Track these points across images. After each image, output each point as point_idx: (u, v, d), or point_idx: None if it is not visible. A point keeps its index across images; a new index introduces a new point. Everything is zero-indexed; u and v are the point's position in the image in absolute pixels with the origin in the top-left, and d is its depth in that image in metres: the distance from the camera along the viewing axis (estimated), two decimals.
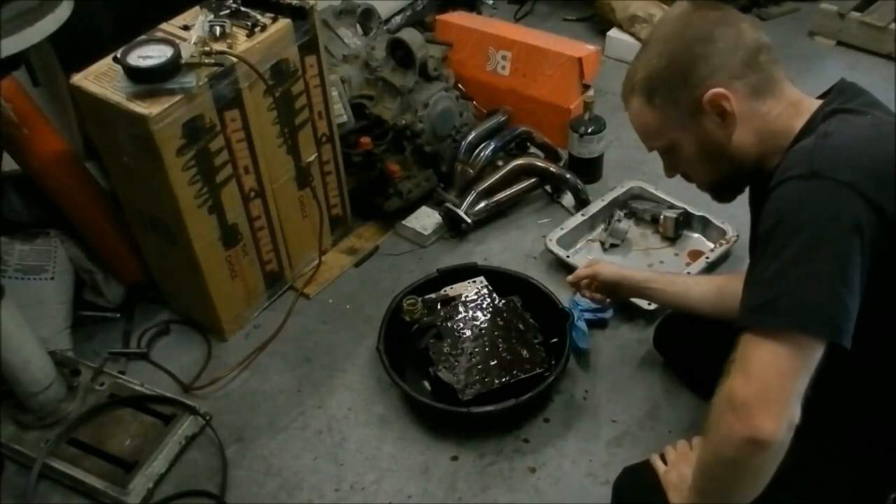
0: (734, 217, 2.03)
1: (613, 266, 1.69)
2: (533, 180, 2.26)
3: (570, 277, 1.73)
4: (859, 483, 1.14)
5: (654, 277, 1.65)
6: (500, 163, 2.29)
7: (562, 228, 2.10)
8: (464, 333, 1.81)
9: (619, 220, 2.09)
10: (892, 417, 1.11)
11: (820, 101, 1.11)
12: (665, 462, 1.29)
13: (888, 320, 1.04)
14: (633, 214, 2.16)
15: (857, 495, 1.15)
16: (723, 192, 1.24)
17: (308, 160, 1.95)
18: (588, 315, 1.84)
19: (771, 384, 0.93)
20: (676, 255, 2.08)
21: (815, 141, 0.99)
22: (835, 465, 1.15)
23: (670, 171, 1.24)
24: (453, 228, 2.19)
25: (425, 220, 2.21)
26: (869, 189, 0.92)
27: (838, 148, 0.97)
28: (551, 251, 2.04)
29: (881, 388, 1.10)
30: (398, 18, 2.87)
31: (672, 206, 2.11)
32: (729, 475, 1.01)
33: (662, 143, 1.18)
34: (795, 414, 0.94)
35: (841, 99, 1.09)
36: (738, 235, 2.00)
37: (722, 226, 2.04)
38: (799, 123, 1.09)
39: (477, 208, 2.19)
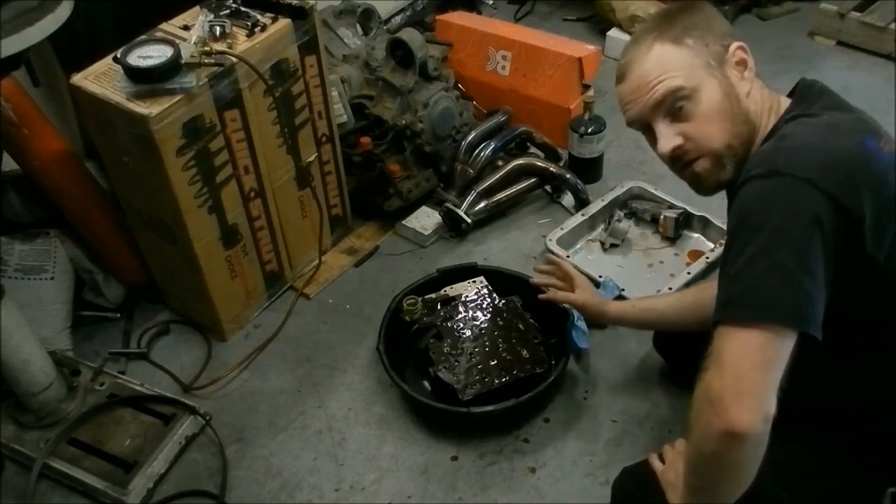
0: None
1: (591, 299, 1.65)
2: (533, 180, 2.26)
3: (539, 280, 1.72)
4: (855, 478, 1.15)
5: (627, 312, 1.62)
6: (500, 163, 2.29)
7: (562, 228, 2.10)
8: (464, 333, 1.81)
9: (619, 220, 2.09)
10: (879, 414, 1.11)
11: (788, 101, 1.16)
12: (663, 461, 1.29)
13: (859, 317, 1.05)
14: (633, 214, 2.16)
15: (854, 491, 1.15)
16: (726, 158, 1.15)
17: (308, 160, 1.95)
18: None
19: (743, 376, 0.95)
20: (676, 255, 2.08)
21: (774, 143, 1.04)
22: (830, 462, 1.15)
23: (670, 134, 1.15)
24: (453, 228, 2.19)
25: (425, 220, 2.21)
26: (827, 184, 0.94)
27: (796, 148, 1.00)
28: (551, 251, 2.04)
29: (866, 384, 1.11)
30: (398, 18, 2.87)
31: (672, 206, 2.11)
32: (712, 470, 1.02)
33: (689, 86, 1.12)
34: (771, 406, 0.95)
35: (802, 106, 1.13)
36: None
37: (722, 226, 2.04)
38: (772, 121, 1.14)
39: (477, 208, 2.19)
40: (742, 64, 1.14)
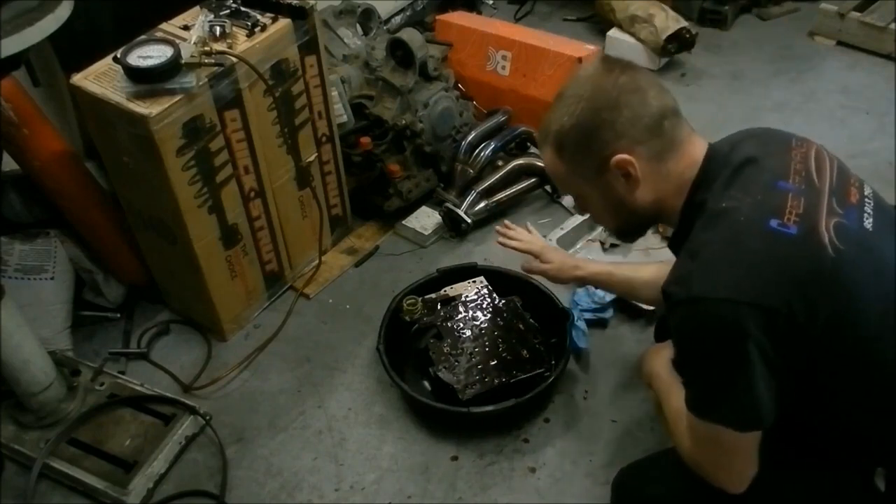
0: None
1: (559, 259, 1.67)
2: (533, 180, 2.26)
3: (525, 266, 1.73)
4: (845, 462, 1.16)
5: (607, 273, 1.64)
6: (500, 163, 2.29)
7: (562, 228, 2.10)
8: (464, 333, 1.81)
9: None
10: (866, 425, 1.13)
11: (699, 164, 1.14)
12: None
13: (831, 371, 1.07)
14: None
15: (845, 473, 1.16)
16: (625, 235, 1.36)
17: (308, 160, 1.95)
18: (588, 315, 1.84)
19: (722, 462, 1.09)
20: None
21: (689, 262, 1.05)
22: (818, 450, 1.16)
23: (581, 212, 1.35)
24: (453, 228, 2.20)
25: (425, 220, 2.21)
26: (744, 295, 0.98)
27: (707, 267, 1.03)
28: None
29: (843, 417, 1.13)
30: (398, 18, 2.87)
31: None
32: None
33: (571, 192, 1.26)
34: (753, 468, 1.08)
35: (703, 189, 1.12)
36: None
37: None
38: (680, 202, 1.15)
39: (477, 208, 2.19)
40: (624, 172, 1.12)
